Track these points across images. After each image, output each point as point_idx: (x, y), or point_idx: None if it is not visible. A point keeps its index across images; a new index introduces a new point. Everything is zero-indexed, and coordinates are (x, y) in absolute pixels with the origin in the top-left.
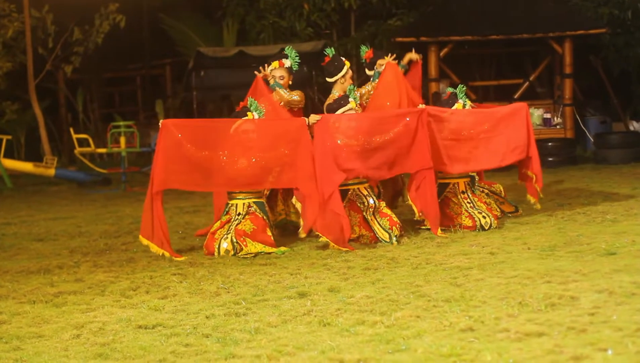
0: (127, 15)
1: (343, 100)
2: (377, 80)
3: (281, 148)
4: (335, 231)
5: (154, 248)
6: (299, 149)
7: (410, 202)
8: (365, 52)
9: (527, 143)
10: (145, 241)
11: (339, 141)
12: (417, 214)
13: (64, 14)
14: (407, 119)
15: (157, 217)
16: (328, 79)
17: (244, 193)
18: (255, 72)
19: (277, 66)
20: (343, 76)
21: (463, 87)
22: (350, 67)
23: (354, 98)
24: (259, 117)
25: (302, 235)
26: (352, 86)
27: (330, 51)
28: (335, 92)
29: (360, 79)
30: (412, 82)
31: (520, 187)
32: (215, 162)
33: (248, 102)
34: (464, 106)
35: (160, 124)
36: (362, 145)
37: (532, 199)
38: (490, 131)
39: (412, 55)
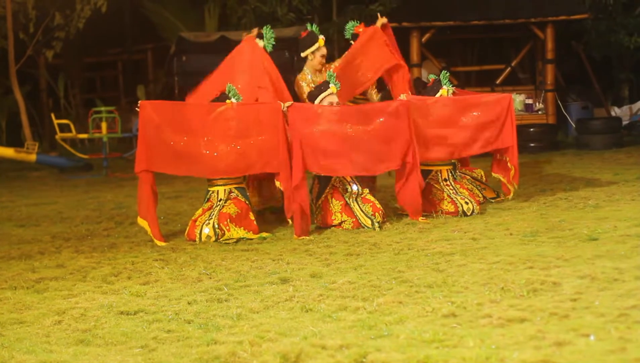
0: (108, 0)
1: (323, 86)
2: None
3: (257, 133)
4: (298, 219)
5: (148, 230)
6: (275, 135)
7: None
8: (355, 27)
9: (507, 133)
10: (141, 222)
11: (315, 131)
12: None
13: None
14: (389, 110)
15: (141, 197)
16: (301, 54)
17: (224, 179)
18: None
19: None
20: (313, 53)
21: (447, 73)
22: (330, 52)
23: (335, 84)
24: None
25: (289, 220)
26: (331, 72)
27: (310, 27)
28: (306, 69)
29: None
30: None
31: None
32: (195, 148)
33: (226, 88)
34: (448, 92)
35: (138, 105)
36: (341, 136)
37: (510, 188)
38: (474, 119)
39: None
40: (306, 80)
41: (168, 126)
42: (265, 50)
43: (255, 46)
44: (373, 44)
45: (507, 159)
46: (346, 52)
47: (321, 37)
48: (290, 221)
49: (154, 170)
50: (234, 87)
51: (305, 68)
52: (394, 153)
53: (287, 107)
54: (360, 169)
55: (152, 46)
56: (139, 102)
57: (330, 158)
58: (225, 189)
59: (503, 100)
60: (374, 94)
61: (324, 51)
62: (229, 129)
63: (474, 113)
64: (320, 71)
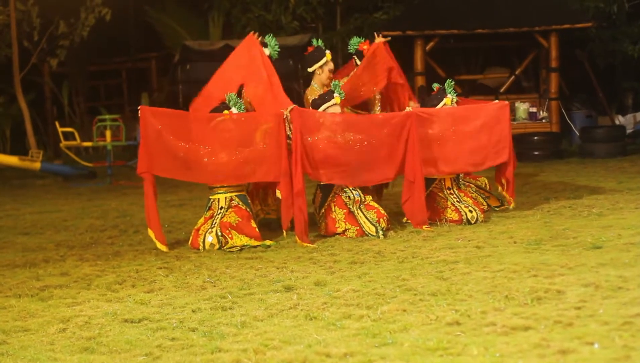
0: (112, 9)
1: (327, 95)
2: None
3: (259, 142)
4: (300, 224)
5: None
6: (276, 143)
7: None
8: (360, 43)
9: (508, 145)
10: (150, 233)
11: (316, 138)
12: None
13: (50, 7)
14: (394, 122)
15: (145, 199)
16: (308, 69)
17: (225, 187)
18: None
19: None
20: (320, 67)
21: (451, 82)
22: (335, 60)
23: (339, 94)
24: (238, 111)
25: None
26: (337, 82)
27: (316, 42)
28: (314, 84)
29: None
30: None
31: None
32: (195, 155)
33: (227, 98)
34: (452, 101)
35: (139, 111)
36: (342, 144)
37: (510, 199)
38: (476, 131)
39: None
40: (314, 95)
41: (168, 132)
42: (270, 58)
43: (253, 44)
44: (375, 60)
45: (502, 178)
46: (352, 72)
47: (328, 52)
48: (285, 233)
49: (155, 173)
50: (235, 96)
51: (313, 83)
52: (393, 163)
53: (290, 111)
54: (357, 180)
55: (157, 54)
56: (139, 107)
57: (330, 167)
58: (226, 197)
59: (501, 109)
60: (377, 111)
61: (331, 65)
62: (228, 139)
63: (477, 125)
64: (328, 85)
